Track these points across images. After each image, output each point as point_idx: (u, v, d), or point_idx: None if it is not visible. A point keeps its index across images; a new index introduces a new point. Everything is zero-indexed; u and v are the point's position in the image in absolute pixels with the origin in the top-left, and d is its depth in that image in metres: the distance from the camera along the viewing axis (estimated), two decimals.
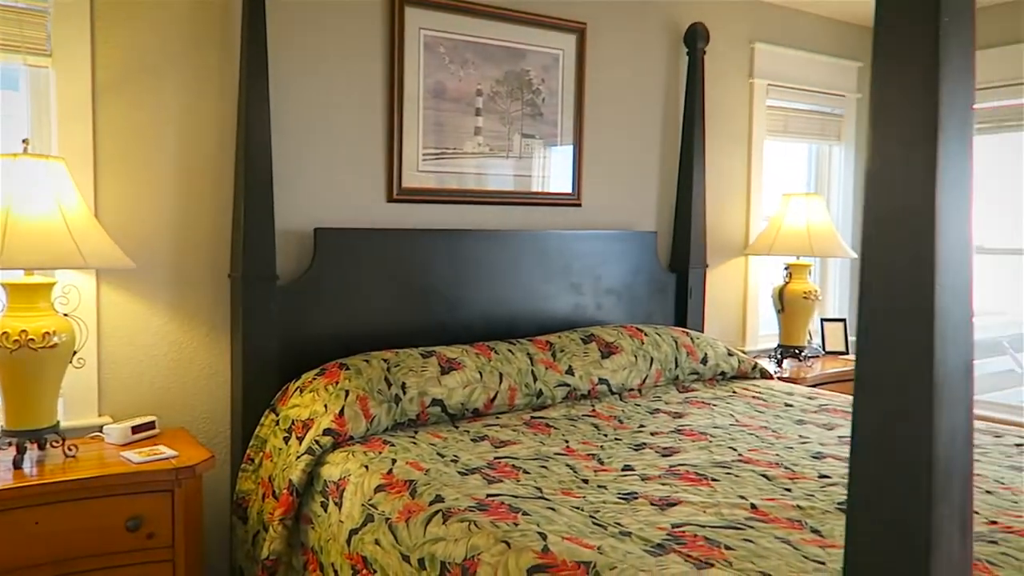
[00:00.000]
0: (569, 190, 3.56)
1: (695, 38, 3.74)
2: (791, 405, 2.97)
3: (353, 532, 2.06)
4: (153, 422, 2.50)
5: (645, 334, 3.24)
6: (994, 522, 1.79)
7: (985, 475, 2.15)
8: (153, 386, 2.65)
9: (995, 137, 4.36)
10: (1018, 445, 2.47)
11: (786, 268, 3.96)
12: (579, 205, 3.57)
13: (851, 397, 2.94)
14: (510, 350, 2.89)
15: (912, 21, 0.88)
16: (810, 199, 3.91)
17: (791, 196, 3.93)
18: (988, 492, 2.01)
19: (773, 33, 4.16)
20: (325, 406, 2.45)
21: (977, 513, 1.85)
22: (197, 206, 2.70)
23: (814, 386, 3.74)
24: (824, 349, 4.30)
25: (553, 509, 1.86)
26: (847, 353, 4.29)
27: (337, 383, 2.52)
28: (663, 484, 2.04)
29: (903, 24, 0.89)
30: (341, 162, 2.96)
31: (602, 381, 2.98)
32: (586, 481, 2.08)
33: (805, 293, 3.89)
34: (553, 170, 3.51)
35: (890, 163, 0.91)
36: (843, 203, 4.58)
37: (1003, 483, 2.08)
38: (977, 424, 2.74)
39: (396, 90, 3.05)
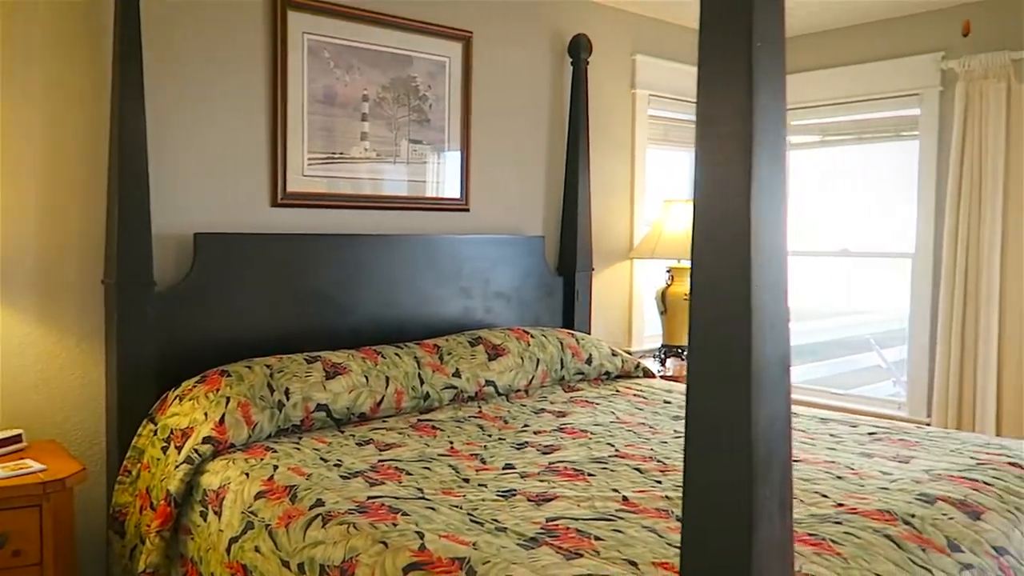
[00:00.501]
0: (457, 195, 3.61)
1: (579, 49, 3.86)
2: (669, 402, 3.10)
3: (233, 540, 2.05)
4: (19, 435, 2.40)
5: (531, 336, 3.31)
6: (841, 504, 1.93)
7: (838, 462, 2.31)
8: (20, 398, 2.55)
9: (892, 145, 4.66)
10: (871, 434, 2.66)
11: (668, 271, 4.13)
12: (467, 210, 3.63)
13: None
14: (397, 354, 2.92)
15: (728, 47, 0.97)
16: (690, 205, 4.08)
17: (672, 202, 4.10)
18: (839, 477, 2.16)
19: (653, 46, 4.33)
20: (205, 414, 2.42)
21: (826, 497, 1.99)
22: (67, 208, 2.62)
23: None
24: None
25: (433, 508, 1.90)
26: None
27: (218, 390, 2.49)
28: (541, 481, 2.11)
29: (721, 49, 0.98)
30: (222, 166, 2.91)
31: (489, 383, 3.04)
32: (467, 480, 2.12)
33: (686, 295, 4.06)
34: (441, 175, 3.56)
35: (712, 175, 0.99)
36: None
37: (853, 468, 2.25)
38: (835, 415, 2.94)
39: (279, 94, 3.03)
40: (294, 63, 3.07)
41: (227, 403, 2.44)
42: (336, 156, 3.23)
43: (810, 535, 1.74)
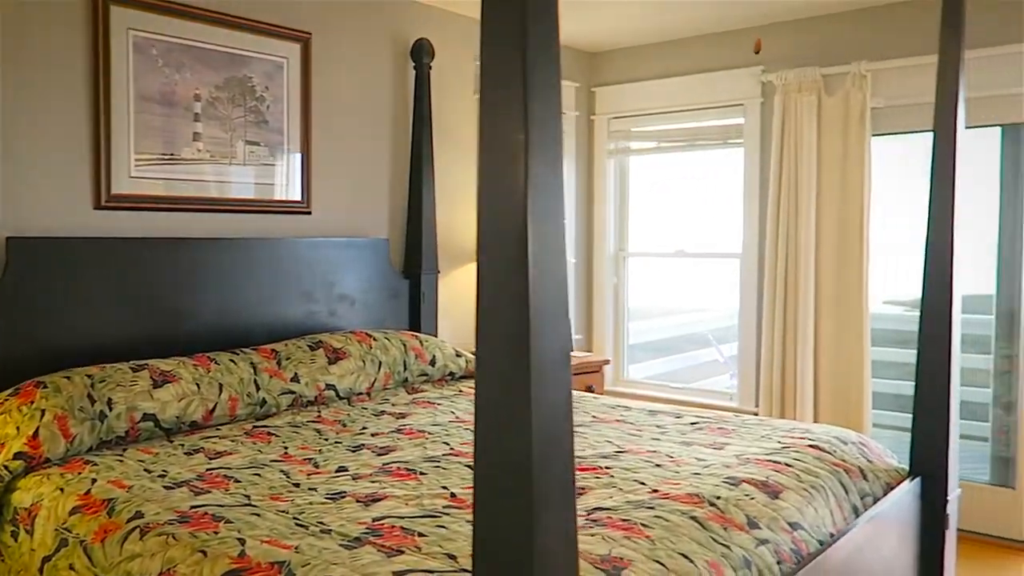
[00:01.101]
0: (298, 198, 3.56)
1: (421, 53, 3.89)
2: None
3: (46, 560, 1.95)
4: None
5: (374, 339, 3.31)
6: (656, 490, 2.05)
7: (659, 451, 2.45)
8: None
9: (721, 152, 4.92)
10: (693, 423, 2.82)
11: None
12: (309, 212, 3.59)
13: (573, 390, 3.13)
14: (232, 360, 2.85)
15: (504, 60, 1.02)
16: None
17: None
18: (658, 465, 2.29)
19: None
20: (17, 428, 2.29)
21: (644, 484, 2.11)
22: None
23: None
24: None
25: (258, 515, 1.88)
26: (571, 350, 4.63)
27: (32, 403, 2.36)
28: (373, 482, 2.13)
29: (499, 59, 1.03)
30: (38, 168, 2.76)
31: (329, 387, 3.02)
32: (298, 485, 2.11)
33: None
34: (281, 178, 3.50)
35: (493, 179, 1.04)
36: (566, 211, 4.95)
37: (672, 456, 2.38)
38: (664, 407, 3.10)
39: (102, 92, 2.90)
40: (118, 60, 2.95)
41: (42, 416, 2.31)
42: (167, 157, 3.12)
43: (623, 520, 1.84)
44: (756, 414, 4.44)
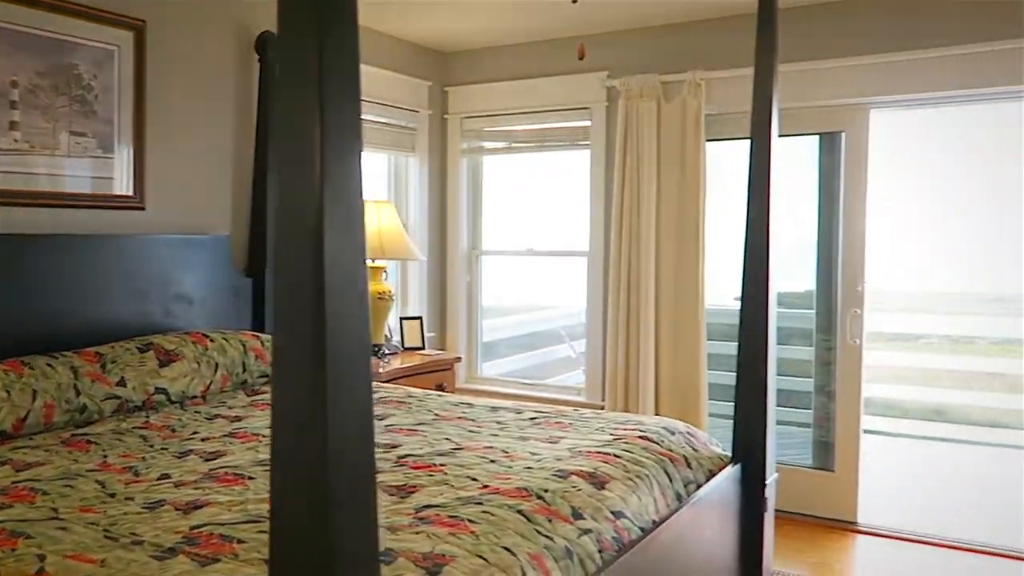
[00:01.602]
0: (130, 192, 3.39)
1: (266, 46, 3.78)
2: None
3: None
4: None
5: (211, 340, 3.20)
6: (487, 486, 2.09)
7: (496, 447, 2.49)
8: None
9: (570, 153, 5.02)
10: (532, 419, 2.89)
11: None
12: (143, 208, 3.42)
13: (414, 389, 3.16)
14: (49, 364, 2.68)
15: (299, 58, 1.02)
16: (381, 206, 4.17)
17: (364, 203, 4.15)
18: (492, 461, 2.33)
19: None
20: None
21: (475, 480, 2.14)
22: None
23: (389, 380, 4.00)
24: (403, 345, 4.61)
25: (64, 528, 1.77)
26: (423, 348, 4.64)
27: None
28: (196, 488, 2.06)
29: (294, 56, 1.02)
30: None
31: (160, 391, 2.89)
32: (113, 495, 2.01)
33: (380, 294, 4.14)
34: (111, 171, 3.32)
35: (290, 177, 1.03)
36: (419, 209, 4.95)
37: (507, 452, 2.43)
38: (505, 403, 3.15)
39: None
40: None
41: None
42: None
43: (451, 517, 1.86)
44: (603, 408, 4.59)
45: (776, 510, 4.13)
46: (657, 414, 4.37)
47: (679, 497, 2.41)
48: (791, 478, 4.28)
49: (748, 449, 2.75)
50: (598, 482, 2.18)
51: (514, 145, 5.05)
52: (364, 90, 4.25)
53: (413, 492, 2.05)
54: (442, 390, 4.36)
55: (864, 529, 4.11)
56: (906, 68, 3.83)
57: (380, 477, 2.17)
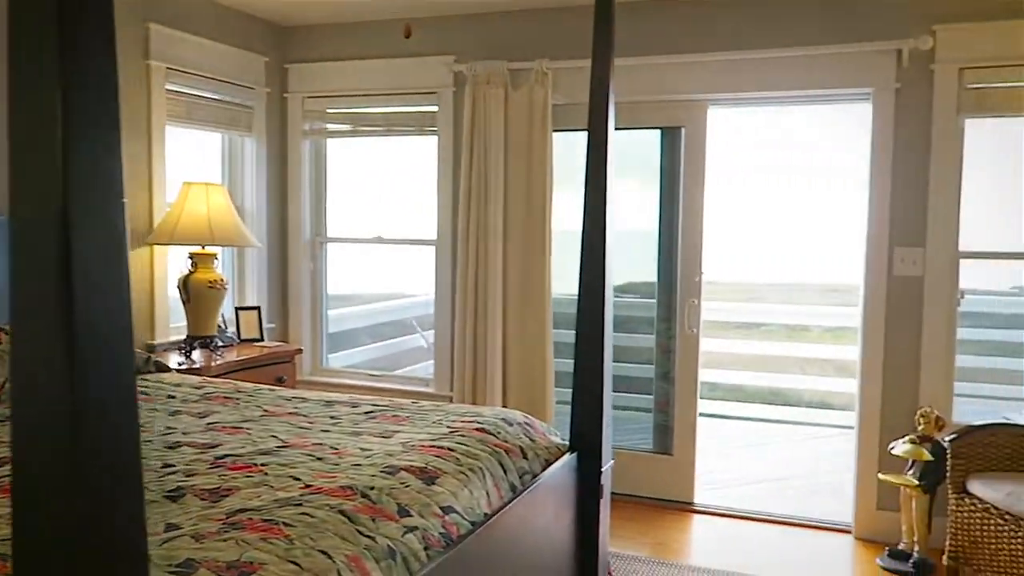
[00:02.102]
0: None
1: None
2: (173, 396, 2.93)
3: None
4: None
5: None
6: (309, 486, 1.97)
7: (325, 443, 2.37)
8: None
9: (418, 139, 4.89)
10: (368, 412, 2.78)
11: (191, 257, 3.92)
12: None
13: (245, 384, 2.95)
14: None
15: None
16: (211, 188, 3.92)
17: (192, 185, 3.90)
18: (319, 459, 2.21)
19: (172, 16, 4.06)
20: None
21: (298, 480, 2.02)
22: None
23: (221, 375, 3.78)
24: (239, 337, 4.37)
25: None
26: (262, 340, 4.43)
27: None
28: None
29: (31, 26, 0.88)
30: None
31: None
32: None
33: (211, 282, 3.90)
34: None
35: (24, 151, 0.89)
36: (257, 193, 4.70)
37: (337, 448, 2.32)
38: (342, 397, 3.03)
39: None
40: None
41: None
42: None
43: (265, 521, 1.73)
44: (451, 399, 4.54)
45: (619, 494, 4.24)
46: (504, 403, 4.36)
47: (514, 488, 2.37)
48: (633, 462, 4.37)
49: (585, 437, 2.76)
50: (428, 477, 2.10)
51: (359, 129, 4.89)
52: (189, 62, 3.98)
53: (227, 495, 1.91)
54: (281, 383, 4.18)
55: (701, 509, 4.26)
56: (744, 67, 3.97)
57: (193, 480, 2.02)
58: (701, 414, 4.44)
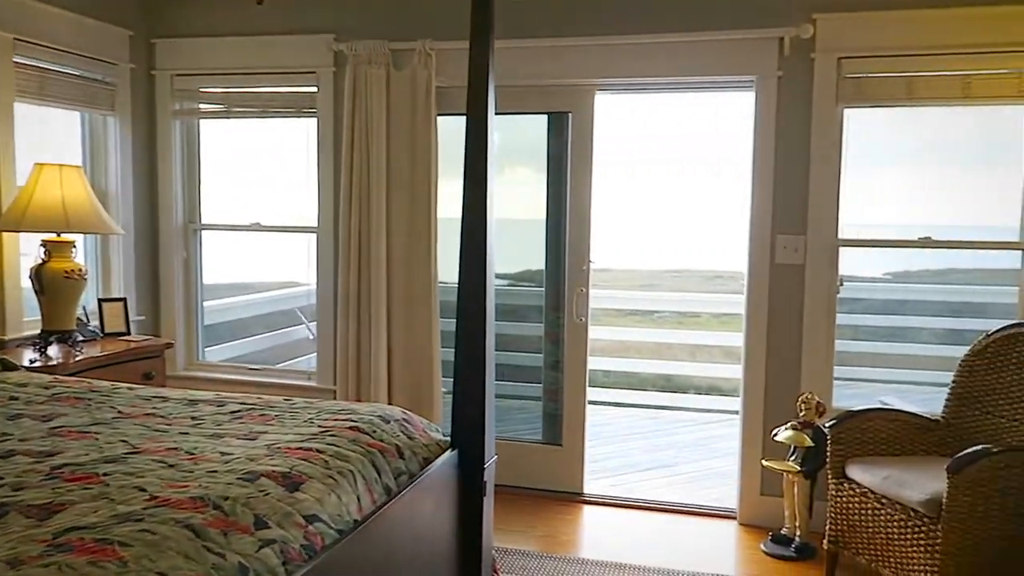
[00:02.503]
0: None
1: None
2: (16, 398, 2.66)
3: None
4: None
5: None
6: (155, 497, 1.78)
7: (181, 448, 2.17)
8: None
9: (297, 121, 4.64)
10: (234, 412, 2.59)
11: (44, 245, 3.60)
12: None
13: (101, 382, 2.69)
14: None
15: None
16: (66, 170, 3.60)
17: (44, 167, 3.57)
18: (171, 466, 2.01)
19: None
20: None
21: (144, 491, 1.83)
22: None
23: (81, 372, 3.48)
24: (103, 331, 4.06)
25: None
26: (128, 333, 4.12)
27: None
28: None
29: None
30: None
31: None
32: None
33: (67, 272, 3.59)
34: None
35: None
36: (121, 176, 4.37)
37: (193, 453, 2.13)
38: (207, 395, 2.82)
39: None
40: None
41: None
42: None
43: (98, 540, 1.54)
44: (335, 393, 4.36)
45: (507, 486, 4.16)
46: (390, 396, 4.21)
47: (389, 491, 2.24)
48: (522, 453, 4.31)
49: (466, 433, 2.64)
50: (292, 483, 1.95)
51: (234, 110, 4.61)
52: (41, 33, 3.66)
53: (59, 511, 1.70)
54: (149, 380, 3.90)
55: (590, 499, 4.23)
56: (631, 52, 3.92)
57: (21, 495, 1.79)
58: (592, 402, 4.42)
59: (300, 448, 2.18)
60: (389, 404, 4.14)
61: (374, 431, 2.42)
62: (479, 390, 2.65)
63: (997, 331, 3.35)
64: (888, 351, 5.15)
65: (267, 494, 1.86)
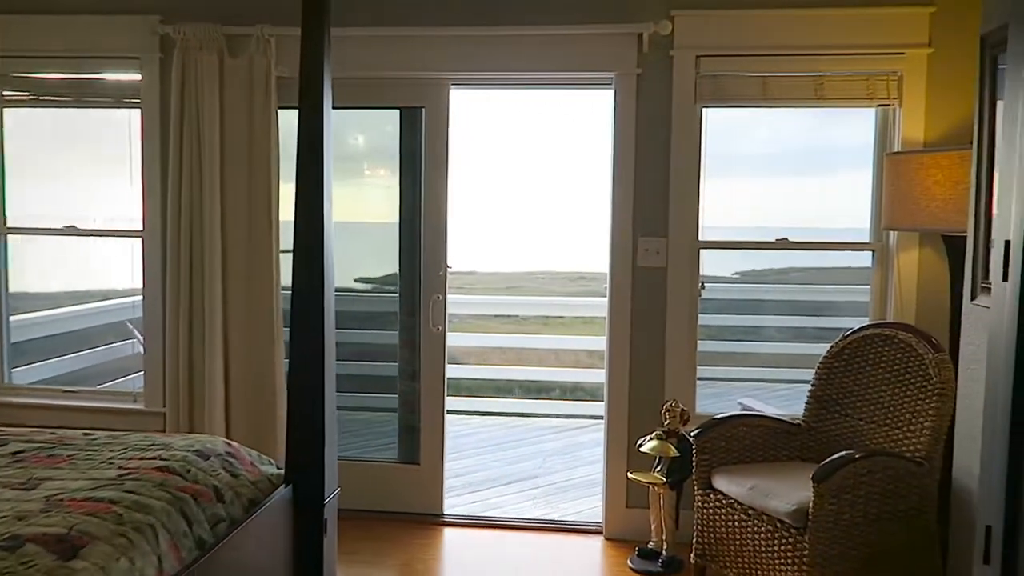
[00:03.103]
0: None
1: None
2: None
3: None
4: None
5: None
6: None
7: None
8: None
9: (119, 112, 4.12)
10: (16, 453, 2.17)
11: None
12: None
13: None
14: None
15: None
16: None
17: None
18: None
19: None
20: None
21: None
22: None
23: None
24: None
25: None
26: None
27: None
28: None
29: None
30: None
31: None
32: None
33: None
34: None
35: None
36: None
37: None
38: None
39: None
40: None
41: None
42: None
43: None
44: (164, 417, 3.91)
45: (361, 511, 3.84)
46: (227, 418, 3.80)
47: (202, 544, 1.90)
48: (377, 474, 4.00)
49: (303, 464, 2.33)
50: (69, 548, 1.58)
51: (42, 99, 4.06)
52: None
53: None
54: None
55: (451, 520, 3.98)
56: (487, 45, 3.70)
57: None
58: (452, 411, 4.16)
59: (89, 499, 1.81)
60: (227, 428, 3.76)
61: (188, 471, 2.07)
62: (316, 414, 2.34)
63: (852, 333, 3.33)
64: (744, 350, 5.18)
65: (31, 566, 1.49)
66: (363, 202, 4.30)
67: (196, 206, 3.73)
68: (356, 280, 4.47)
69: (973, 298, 2.68)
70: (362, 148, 4.29)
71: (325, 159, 2.30)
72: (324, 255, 2.29)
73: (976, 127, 2.70)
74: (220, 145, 3.71)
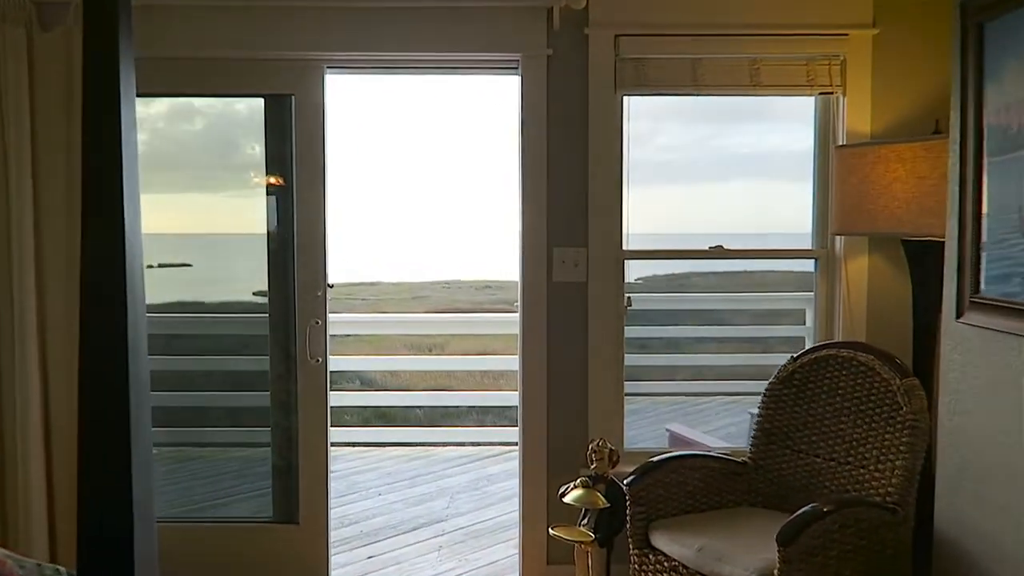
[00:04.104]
0: None
1: None
2: None
3: None
4: None
5: None
6: None
7: None
8: None
9: None
10: None
11: None
12: None
13: None
14: None
15: None
16: None
17: None
18: None
19: None
20: None
21: None
22: None
23: None
24: None
25: None
26: None
27: None
28: None
29: None
30: None
31: None
32: None
33: None
34: None
35: None
36: None
37: None
38: None
39: None
40: None
41: None
42: None
43: None
44: None
45: None
46: (50, 498, 3.03)
47: None
48: (250, 538, 3.33)
49: (100, 563, 1.66)
50: None
51: None
52: None
53: None
54: None
55: None
56: (371, 20, 3.10)
57: None
58: (341, 444, 3.52)
59: None
60: (49, 508, 3.02)
61: None
62: (119, 492, 1.67)
63: (803, 354, 2.88)
64: (671, 363, 4.80)
65: None
66: (229, 211, 3.64)
67: (1, 214, 2.98)
68: (222, 303, 3.81)
69: (959, 316, 2.23)
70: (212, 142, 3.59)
71: (125, 158, 1.64)
72: (125, 281, 1.64)
73: (958, 112, 2.26)
74: (31, 139, 2.96)
